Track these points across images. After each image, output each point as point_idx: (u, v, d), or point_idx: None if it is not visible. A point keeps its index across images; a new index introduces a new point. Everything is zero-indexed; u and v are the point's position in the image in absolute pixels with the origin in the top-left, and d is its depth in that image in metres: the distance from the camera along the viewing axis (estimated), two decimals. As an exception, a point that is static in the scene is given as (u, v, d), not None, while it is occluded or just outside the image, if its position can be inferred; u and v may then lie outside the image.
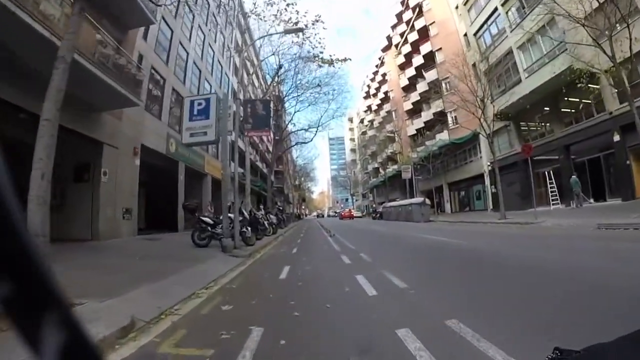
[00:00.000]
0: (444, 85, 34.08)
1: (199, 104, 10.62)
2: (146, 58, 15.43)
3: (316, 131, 26.63)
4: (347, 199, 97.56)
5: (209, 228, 11.27)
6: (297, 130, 29.59)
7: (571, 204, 19.62)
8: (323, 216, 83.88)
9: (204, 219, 11.56)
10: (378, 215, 36.26)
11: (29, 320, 0.31)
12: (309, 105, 27.13)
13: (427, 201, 26.15)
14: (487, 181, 29.77)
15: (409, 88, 41.96)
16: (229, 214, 10.80)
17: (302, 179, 63.51)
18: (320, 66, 24.49)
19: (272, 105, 26.99)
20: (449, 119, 33.85)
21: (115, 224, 12.84)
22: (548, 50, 20.95)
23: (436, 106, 34.85)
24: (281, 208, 54.07)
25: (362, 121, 73.49)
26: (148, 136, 16.02)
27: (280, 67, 24.84)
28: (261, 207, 20.81)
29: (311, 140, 26.64)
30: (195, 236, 11.06)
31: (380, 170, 58.05)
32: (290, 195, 48.90)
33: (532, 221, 14.51)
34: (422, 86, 37.95)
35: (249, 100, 17.61)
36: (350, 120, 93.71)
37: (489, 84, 23.69)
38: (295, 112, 27.76)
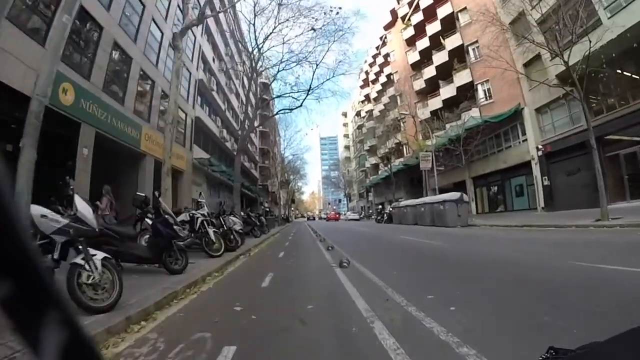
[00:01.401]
0: (471, 52, 26.86)
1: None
2: None
3: (308, 91, 18.68)
4: (340, 200, 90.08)
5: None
6: (285, 94, 21.80)
7: None
8: (314, 219, 76.02)
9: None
10: (385, 217, 28.72)
11: (29, 320, 0.30)
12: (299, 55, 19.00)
13: (466, 197, 18.76)
14: (537, 171, 22.53)
15: (420, 65, 34.70)
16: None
17: (291, 176, 55.82)
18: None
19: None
20: (480, 92, 26.58)
21: None
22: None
23: (460, 79, 27.59)
24: (267, 209, 45.96)
25: (358, 114, 66.20)
26: (11, 69, 8.35)
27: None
28: (222, 204, 13.31)
29: (301, 104, 18.61)
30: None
31: (381, 166, 50.67)
32: (278, 194, 41.17)
33: None
34: (440, 58, 30.71)
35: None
36: (344, 114, 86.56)
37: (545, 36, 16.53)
38: (278, 70, 19.65)
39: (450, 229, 16.68)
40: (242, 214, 16.74)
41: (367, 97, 58.16)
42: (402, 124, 39.98)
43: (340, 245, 11.76)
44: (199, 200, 10.15)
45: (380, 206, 32.15)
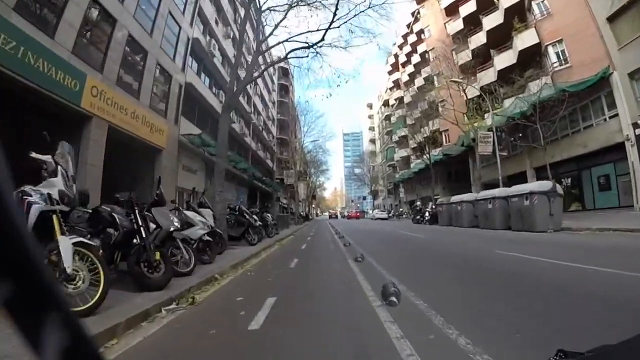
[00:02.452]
0: (535, 7, 21.18)
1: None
2: None
3: (328, 27, 13.21)
4: (364, 198, 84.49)
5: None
6: (300, 35, 16.71)
7: None
8: (337, 217, 70.80)
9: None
10: (427, 217, 23.28)
11: (29, 320, 0.30)
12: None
13: (559, 188, 13.23)
14: (634, 156, 16.74)
15: (463, 35, 28.94)
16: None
17: (312, 169, 50.84)
18: None
19: None
20: (552, 55, 20.82)
21: None
22: None
23: (523, 41, 21.86)
24: (285, 206, 41.28)
25: (385, 103, 60.58)
26: None
27: None
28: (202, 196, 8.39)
29: (320, 43, 13.04)
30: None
31: (413, 158, 45.06)
32: (295, 187, 36.23)
33: None
34: (491, 20, 25.03)
35: None
36: (370, 106, 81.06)
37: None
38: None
39: (545, 235, 11.33)
40: (237, 208, 11.84)
41: (397, 82, 52.50)
42: (440, 108, 34.36)
43: (404, 275, 6.64)
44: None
45: (418, 203, 26.73)
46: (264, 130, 39.69)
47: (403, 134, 48.63)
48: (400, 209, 47.38)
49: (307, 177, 43.00)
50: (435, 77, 37.18)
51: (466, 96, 24.87)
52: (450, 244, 10.27)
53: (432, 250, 9.02)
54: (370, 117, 79.89)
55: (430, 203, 24.37)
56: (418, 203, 26.79)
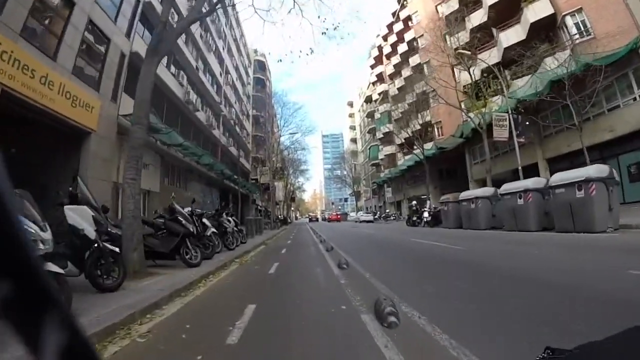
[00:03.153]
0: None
1: None
2: None
3: None
4: (345, 199, 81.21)
5: None
6: None
7: None
8: (317, 220, 67.05)
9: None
10: (426, 218, 19.99)
11: (28, 320, 0.30)
12: None
13: (615, 173, 10.13)
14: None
15: (457, 17, 25.99)
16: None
17: (290, 169, 47.16)
18: None
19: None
20: (571, 26, 17.99)
21: None
22: None
23: (534, 13, 18.99)
24: (261, 209, 37.82)
25: (368, 100, 57.62)
26: None
27: None
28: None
29: None
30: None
31: (399, 155, 42.09)
32: (272, 187, 32.42)
33: None
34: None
35: None
36: (350, 104, 78.12)
37: None
38: None
39: (615, 237, 8.14)
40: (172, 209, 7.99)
41: (381, 76, 49.56)
42: (431, 99, 31.44)
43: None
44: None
45: (414, 202, 23.40)
46: (237, 126, 35.82)
47: (388, 130, 45.63)
48: (387, 210, 44.25)
49: (285, 176, 39.25)
50: (424, 66, 34.43)
51: (472, 77, 21.72)
52: (521, 261, 6.73)
53: (527, 281, 4.39)
54: (351, 115, 76.89)
55: (429, 202, 21.11)
56: (414, 202, 23.45)
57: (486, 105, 20.54)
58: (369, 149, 55.70)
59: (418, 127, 31.71)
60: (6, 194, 0.30)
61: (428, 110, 32.47)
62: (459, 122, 29.12)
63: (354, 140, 72.97)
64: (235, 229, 11.38)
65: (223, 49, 30.73)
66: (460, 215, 16.76)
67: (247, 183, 36.03)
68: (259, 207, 43.16)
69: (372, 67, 53.24)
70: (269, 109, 43.25)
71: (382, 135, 47.57)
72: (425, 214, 20.25)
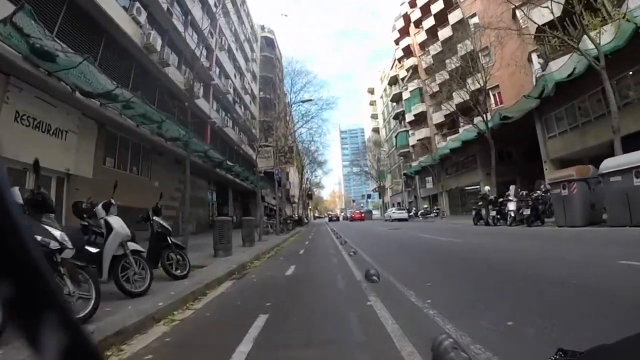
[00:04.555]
0: None
1: None
2: None
3: None
4: (368, 196, 73.67)
5: None
6: None
7: None
8: (337, 219, 59.75)
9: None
10: (523, 213, 12.50)
11: (29, 320, 0.30)
12: None
13: None
14: None
15: None
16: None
17: (305, 158, 40.19)
18: None
19: None
20: None
21: None
22: None
23: None
24: (271, 208, 31.34)
25: (392, 82, 50.24)
26: None
27: None
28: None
29: None
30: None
31: (436, 139, 34.62)
32: (279, 175, 25.48)
33: None
34: None
35: None
36: (371, 91, 70.72)
37: None
38: None
39: None
40: None
41: (408, 49, 42.22)
42: (481, 59, 24.07)
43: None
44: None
45: (486, 189, 15.94)
46: (239, 105, 29.12)
47: (420, 110, 38.27)
48: (425, 206, 36.67)
49: (295, 159, 32.10)
50: (469, 21, 27.09)
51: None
52: None
53: None
54: (372, 103, 69.44)
55: (513, 187, 13.73)
56: (487, 189, 16.07)
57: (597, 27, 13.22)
58: (396, 136, 48.25)
59: (466, 97, 24.29)
60: (7, 194, 0.30)
61: (479, 75, 25.01)
62: (525, 84, 21.79)
63: (376, 130, 65.47)
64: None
65: (216, 5, 24.07)
66: (593, 202, 9.77)
67: (250, 175, 29.31)
68: (270, 206, 36.39)
69: (397, 41, 45.77)
70: (279, 89, 36.30)
71: (412, 118, 40.17)
72: (512, 206, 12.93)
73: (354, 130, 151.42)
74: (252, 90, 34.94)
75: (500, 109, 22.24)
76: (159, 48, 14.82)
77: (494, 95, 25.20)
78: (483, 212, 15.50)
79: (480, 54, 24.63)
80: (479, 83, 23.20)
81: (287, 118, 25.07)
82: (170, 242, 5.47)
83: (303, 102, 21.73)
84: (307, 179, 49.16)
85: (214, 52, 23.10)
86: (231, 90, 26.27)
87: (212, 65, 22.62)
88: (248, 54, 34.70)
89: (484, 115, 20.49)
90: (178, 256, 5.50)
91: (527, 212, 11.95)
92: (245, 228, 11.06)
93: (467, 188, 32.64)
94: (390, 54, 52.38)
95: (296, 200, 48.95)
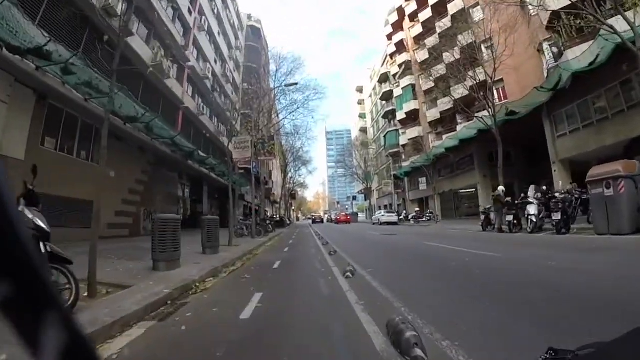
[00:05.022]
0: None
1: None
2: None
3: None
4: (354, 198, 71.50)
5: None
6: None
7: None
8: (322, 221, 57.35)
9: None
10: (554, 215, 10.30)
11: (28, 320, 0.30)
12: None
13: None
14: None
15: None
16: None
17: (289, 155, 37.83)
18: None
19: None
20: None
21: None
22: None
23: None
24: (253, 207, 29.19)
25: (383, 79, 48.34)
26: None
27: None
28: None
29: None
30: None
31: (431, 138, 32.71)
32: (256, 167, 23.12)
33: None
34: None
35: None
36: (360, 90, 68.81)
37: None
38: None
39: None
40: None
41: (401, 44, 40.42)
42: (484, 50, 22.31)
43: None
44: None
45: (501, 189, 13.57)
46: (220, 94, 26.54)
47: (413, 107, 36.37)
48: (417, 209, 34.54)
49: (277, 149, 29.54)
50: (470, 12, 25.33)
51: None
52: None
53: None
54: (361, 102, 67.49)
55: (533, 187, 11.67)
56: (501, 189, 13.80)
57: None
58: (385, 136, 46.34)
59: (466, 91, 22.38)
60: (6, 194, 0.30)
61: (481, 68, 23.20)
62: (532, 78, 20.06)
63: (363, 130, 63.45)
64: None
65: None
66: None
67: (227, 169, 26.64)
68: (248, 204, 33.84)
69: (390, 36, 43.86)
70: (264, 65, 33.76)
71: (404, 116, 38.25)
72: (533, 209, 10.86)
73: (340, 132, 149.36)
74: (234, 79, 32.38)
75: (506, 104, 20.33)
76: (118, 9, 12.29)
77: (497, 90, 23.36)
78: (492, 216, 13.45)
79: (483, 45, 22.87)
80: (484, 75, 21.30)
81: (270, 105, 22.68)
82: (46, 250, 3.10)
83: (288, 85, 19.35)
84: (290, 177, 46.75)
85: (192, 31, 20.60)
86: (210, 76, 23.72)
87: (189, 46, 20.10)
88: (232, 40, 32.15)
89: (491, 108, 18.49)
90: (61, 276, 3.15)
91: (556, 216, 9.86)
92: (207, 230, 8.59)
93: (461, 191, 30.80)
94: (379, 53, 50.62)
95: (278, 200, 46.47)
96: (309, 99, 23.01)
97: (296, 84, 18.90)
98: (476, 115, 20.05)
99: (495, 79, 21.96)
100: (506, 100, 22.13)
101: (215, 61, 25.78)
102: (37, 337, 0.29)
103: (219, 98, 26.32)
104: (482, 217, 13.79)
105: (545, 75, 20.27)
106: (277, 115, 24.55)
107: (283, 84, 19.44)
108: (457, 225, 20.07)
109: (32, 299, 0.30)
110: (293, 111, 22.61)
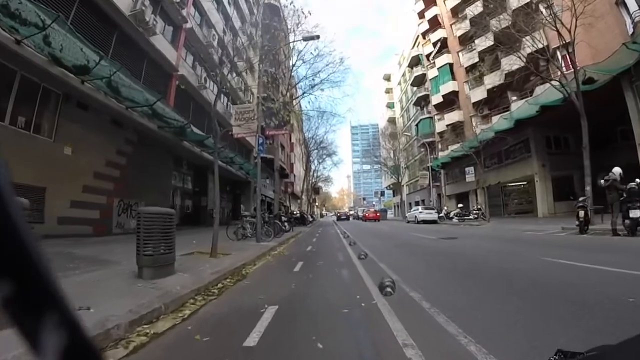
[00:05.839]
0: None
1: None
2: None
3: None
4: (382, 193, 67.06)
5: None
6: None
7: None
8: (348, 218, 53.11)
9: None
10: None
11: (29, 320, 0.30)
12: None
13: None
14: None
15: None
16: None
17: (312, 145, 34.18)
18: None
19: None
20: None
21: None
22: None
23: None
24: (274, 202, 25.91)
25: (414, 63, 43.87)
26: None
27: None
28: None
29: None
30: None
31: (473, 121, 28.19)
32: (292, 177, 19.44)
33: None
34: None
35: None
36: (387, 78, 64.39)
37: None
38: None
39: None
40: None
41: (435, 20, 35.99)
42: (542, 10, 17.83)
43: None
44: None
45: (616, 171, 9.32)
46: (229, 70, 23.08)
47: (452, 89, 31.90)
48: (460, 205, 29.82)
49: (296, 117, 25.65)
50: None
51: None
52: None
53: None
54: (388, 91, 62.97)
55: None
56: (617, 170, 9.53)
57: None
58: (417, 124, 41.93)
59: (522, 62, 17.91)
60: (8, 193, 0.29)
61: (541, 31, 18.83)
62: (607, 40, 15.77)
63: (392, 121, 58.86)
64: None
65: None
66: None
67: (245, 162, 23.32)
68: (268, 200, 30.39)
69: (421, 13, 39.38)
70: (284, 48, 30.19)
71: (440, 100, 33.78)
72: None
73: (365, 126, 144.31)
74: (247, 57, 28.90)
75: (584, 68, 15.84)
76: None
77: (562, 56, 18.83)
78: (585, 211, 9.31)
79: (541, 5, 18.39)
80: (545, 40, 16.80)
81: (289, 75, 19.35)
82: None
83: (306, 39, 15.72)
84: (314, 170, 43.03)
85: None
86: (215, 45, 20.26)
87: (187, 4, 16.70)
88: (244, 12, 28.70)
89: (575, 71, 14.14)
90: None
91: None
92: (144, 233, 4.48)
93: (510, 185, 26.23)
94: (399, 52, 45.97)
95: (300, 194, 42.90)
96: (333, 68, 19.80)
97: (318, 36, 15.17)
98: (550, 80, 15.60)
99: (558, 45, 17.47)
100: (582, 66, 17.60)
101: (224, 32, 22.33)
102: (39, 336, 0.29)
103: (230, 76, 22.84)
104: (581, 213, 9.58)
105: (631, 30, 15.91)
106: (296, 92, 21.06)
107: (301, 38, 15.97)
108: (520, 226, 15.78)
109: (33, 299, 0.30)
110: (316, 84, 19.18)
